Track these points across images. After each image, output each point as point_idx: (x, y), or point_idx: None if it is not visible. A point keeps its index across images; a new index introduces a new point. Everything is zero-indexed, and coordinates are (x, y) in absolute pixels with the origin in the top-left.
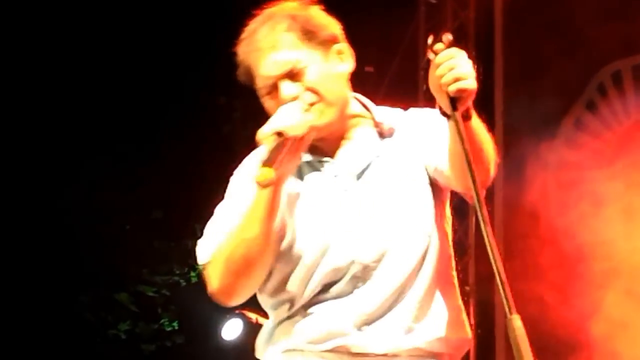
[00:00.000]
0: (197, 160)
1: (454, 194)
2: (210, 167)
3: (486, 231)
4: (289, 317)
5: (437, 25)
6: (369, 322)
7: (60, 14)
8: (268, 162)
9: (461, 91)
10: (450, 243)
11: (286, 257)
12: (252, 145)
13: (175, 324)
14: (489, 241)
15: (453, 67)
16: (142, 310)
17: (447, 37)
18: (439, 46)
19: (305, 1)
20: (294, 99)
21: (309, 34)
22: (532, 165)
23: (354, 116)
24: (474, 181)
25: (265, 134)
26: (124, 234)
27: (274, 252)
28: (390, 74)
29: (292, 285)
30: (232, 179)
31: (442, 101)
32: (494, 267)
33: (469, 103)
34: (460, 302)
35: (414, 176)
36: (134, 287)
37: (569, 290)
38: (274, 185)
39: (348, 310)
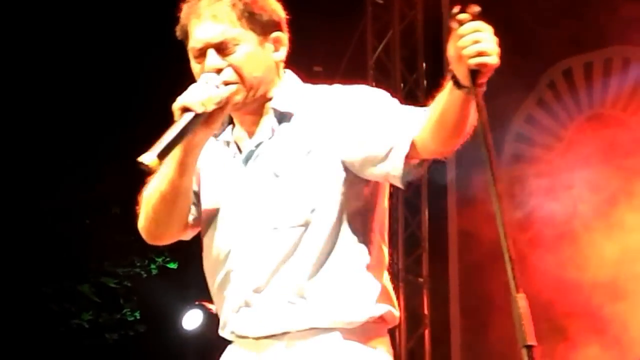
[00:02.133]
0: None
1: (407, 189)
2: None
3: (499, 209)
4: (216, 304)
5: (385, 25)
6: (247, 306)
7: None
8: (160, 146)
9: (482, 65)
10: (373, 226)
11: (201, 237)
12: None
13: (137, 314)
14: (500, 218)
15: (478, 40)
16: (104, 301)
17: (474, 9)
18: (464, 16)
19: None
20: (216, 71)
21: (251, 15)
22: (484, 161)
23: (270, 99)
24: (489, 153)
25: (174, 108)
26: (86, 228)
27: (184, 209)
28: (339, 73)
29: (207, 270)
30: None
31: (460, 72)
32: (503, 245)
33: (487, 78)
34: (372, 280)
35: (306, 160)
36: (97, 279)
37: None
38: (184, 151)
39: (230, 295)
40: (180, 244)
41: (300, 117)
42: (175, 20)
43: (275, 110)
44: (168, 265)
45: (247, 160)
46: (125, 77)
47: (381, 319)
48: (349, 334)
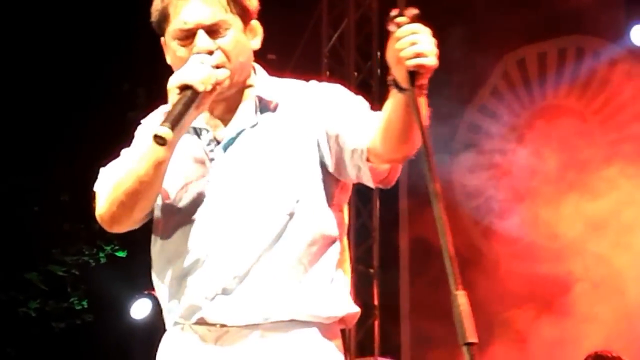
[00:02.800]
0: (102, 144)
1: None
2: (116, 151)
3: (437, 207)
4: (169, 290)
5: (340, 14)
6: (224, 293)
7: None
8: (170, 119)
9: (420, 67)
10: (342, 224)
11: (161, 222)
12: None
13: (84, 302)
14: (439, 217)
15: (415, 42)
16: (52, 289)
17: (412, 11)
18: (402, 19)
19: None
20: (208, 52)
21: (237, 3)
22: (437, 151)
23: (248, 86)
24: (428, 154)
25: (173, 86)
26: (34, 215)
27: (157, 193)
28: (293, 62)
29: (164, 255)
30: (137, 129)
31: (399, 74)
32: (442, 242)
33: (426, 80)
34: (343, 276)
35: (291, 151)
36: (44, 267)
37: (474, 270)
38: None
39: (204, 282)
40: (129, 231)
41: (285, 108)
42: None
43: (259, 98)
44: (117, 254)
45: (226, 147)
46: (76, 65)
47: (351, 316)
48: (325, 330)
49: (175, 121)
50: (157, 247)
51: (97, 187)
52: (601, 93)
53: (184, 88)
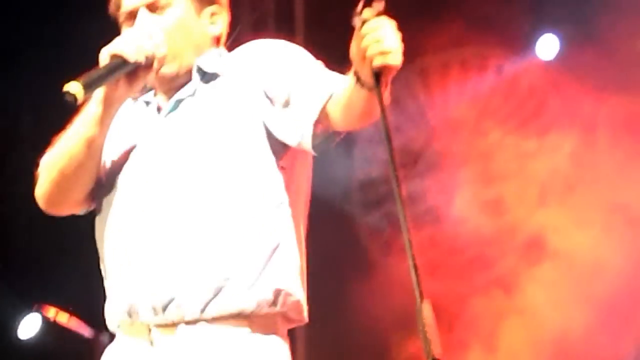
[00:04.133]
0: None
1: None
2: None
3: (402, 214)
4: (109, 289)
5: (234, 17)
6: (166, 285)
7: None
8: (85, 78)
9: (385, 66)
10: (291, 188)
11: (100, 203)
12: None
13: None
14: (404, 225)
15: (379, 39)
16: None
17: (378, 5)
18: (367, 14)
19: None
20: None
21: None
22: (339, 164)
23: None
24: (392, 158)
25: (104, 54)
26: None
27: (94, 172)
28: None
29: (100, 236)
30: None
31: (363, 72)
32: (408, 252)
33: (390, 78)
34: (289, 252)
35: (229, 115)
36: None
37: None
38: (102, 105)
39: (138, 273)
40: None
41: (226, 78)
42: None
43: (199, 69)
44: None
45: (165, 115)
46: None
47: (293, 304)
48: (259, 322)
49: (90, 81)
50: (95, 229)
51: (40, 167)
52: (504, 106)
53: (114, 57)
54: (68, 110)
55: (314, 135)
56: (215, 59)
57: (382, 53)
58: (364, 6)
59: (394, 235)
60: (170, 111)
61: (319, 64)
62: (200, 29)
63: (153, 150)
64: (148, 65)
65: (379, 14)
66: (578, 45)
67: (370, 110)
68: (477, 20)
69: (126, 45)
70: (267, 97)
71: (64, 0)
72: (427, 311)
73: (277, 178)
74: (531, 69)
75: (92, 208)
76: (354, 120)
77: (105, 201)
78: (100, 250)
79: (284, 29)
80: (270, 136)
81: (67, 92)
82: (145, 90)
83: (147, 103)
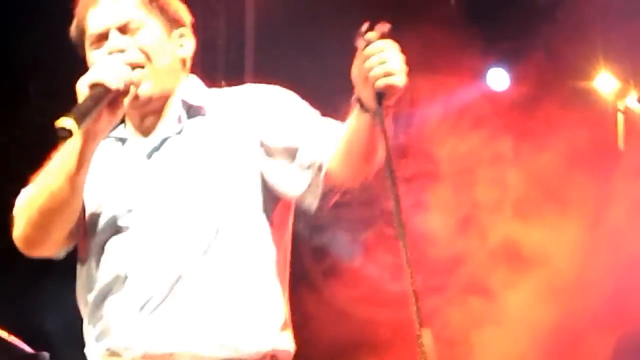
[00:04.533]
0: None
1: None
2: None
3: (403, 242)
4: (88, 318)
5: None
6: (143, 316)
7: None
8: (75, 111)
9: (390, 87)
10: (281, 244)
11: (83, 242)
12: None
13: None
14: (405, 252)
15: (384, 60)
16: None
17: (383, 27)
18: (371, 35)
19: None
20: (121, 51)
21: (155, 4)
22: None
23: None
24: (393, 180)
25: (83, 85)
26: None
27: (76, 210)
28: None
29: (84, 279)
30: None
31: (366, 94)
32: (409, 280)
33: (394, 100)
34: (277, 304)
35: (221, 159)
36: None
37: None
38: (85, 139)
39: (122, 306)
40: None
41: (214, 113)
42: None
43: (184, 103)
44: None
45: (150, 156)
46: None
47: (283, 354)
48: None
49: (80, 114)
50: (79, 272)
51: (15, 208)
52: (452, 135)
53: (95, 87)
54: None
55: (323, 194)
56: (198, 90)
57: (387, 74)
58: (368, 28)
59: (336, 261)
60: (154, 151)
61: (318, 114)
62: (171, 50)
63: (141, 196)
64: (126, 90)
65: (382, 36)
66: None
67: (374, 143)
68: (427, 48)
69: (105, 72)
70: (264, 146)
71: None
72: (427, 339)
73: (267, 231)
74: (481, 98)
75: (69, 249)
76: (357, 163)
77: (91, 249)
78: (84, 296)
79: (234, 55)
80: (265, 187)
81: (62, 128)
82: (116, 123)
83: (122, 140)
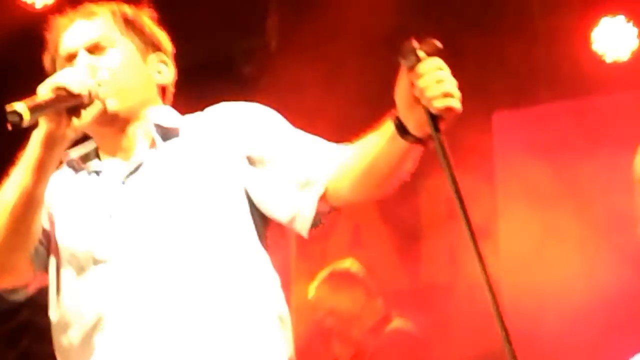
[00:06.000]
0: None
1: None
2: None
3: (482, 265)
4: None
5: None
6: (133, 354)
7: None
8: (29, 101)
9: (448, 110)
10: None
11: (55, 278)
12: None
13: None
14: (486, 278)
15: (441, 79)
16: None
17: (436, 43)
18: (423, 52)
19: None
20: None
21: (131, 25)
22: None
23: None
24: (463, 210)
25: (45, 87)
26: None
27: (35, 228)
28: None
29: (62, 320)
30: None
31: (413, 117)
32: (496, 317)
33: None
34: (277, 329)
35: (203, 179)
36: None
37: None
38: (43, 144)
39: (106, 345)
40: None
41: (190, 133)
42: None
43: (157, 127)
44: None
45: (124, 181)
46: None
47: None
48: None
49: (35, 105)
50: (53, 311)
51: None
52: None
53: (57, 90)
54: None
55: (316, 215)
56: (171, 113)
57: (445, 95)
58: (420, 45)
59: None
60: (129, 175)
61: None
62: (145, 73)
63: (120, 224)
64: (90, 101)
65: (435, 53)
66: None
67: (403, 168)
68: None
69: (68, 78)
70: (250, 163)
71: None
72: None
73: (264, 256)
74: None
75: (32, 285)
76: (376, 185)
77: (67, 286)
78: (62, 339)
79: None
80: (253, 208)
81: (14, 112)
82: (91, 156)
83: (97, 173)
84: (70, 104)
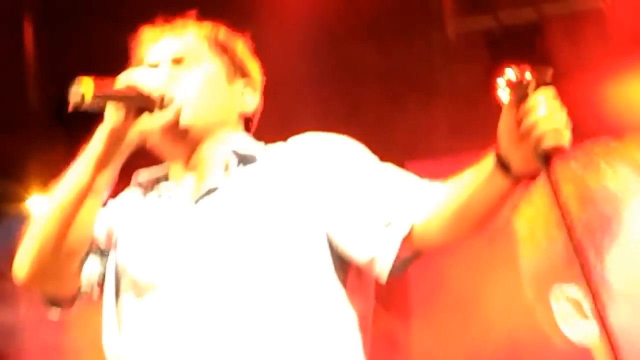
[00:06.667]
0: None
1: None
2: None
3: (595, 302)
4: None
5: None
6: None
7: None
8: (99, 85)
9: (559, 148)
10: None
11: (117, 302)
12: None
13: None
14: (598, 310)
15: (552, 113)
16: None
17: (547, 72)
18: (531, 83)
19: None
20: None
21: (222, 48)
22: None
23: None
24: (578, 252)
25: (121, 80)
26: None
27: (88, 231)
28: None
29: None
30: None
31: (520, 154)
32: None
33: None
34: None
35: (280, 214)
36: None
37: None
38: (108, 140)
39: None
40: None
41: (269, 163)
42: None
43: (234, 153)
44: None
45: (197, 202)
46: None
47: None
48: None
49: (102, 91)
50: (111, 336)
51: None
52: None
53: (130, 88)
54: None
55: (396, 262)
56: (250, 141)
57: (557, 131)
58: (532, 74)
59: None
60: (201, 198)
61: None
62: (227, 97)
63: (191, 248)
64: (162, 108)
65: (544, 83)
66: None
67: (500, 208)
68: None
69: (144, 78)
70: (334, 200)
71: None
72: None
73: (343, 296)
74: None
75: (74, 302)
76: (470, 227)
77: (127, 310)
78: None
79: None
80: (332, 250)
81: (78, 87)
82: (162, 179)
83: (169, 196)
84: (139, 104)
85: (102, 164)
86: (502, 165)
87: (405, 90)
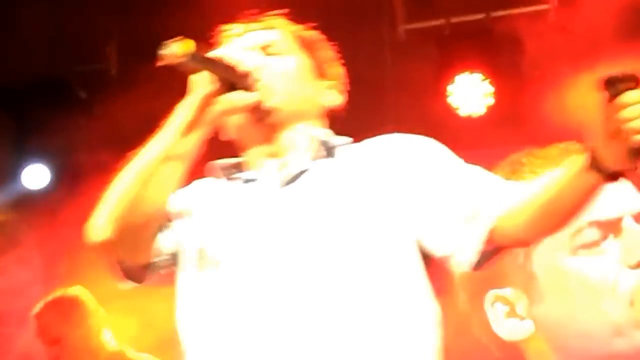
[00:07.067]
0: None
1: None
2: None
3: None
4: None
5: None
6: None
7: None
8: (196, 51)
9: None
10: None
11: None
12: None
13: None
14: None
15: None
16: None
17: (637, 75)
18: (624, 83)
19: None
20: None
21: (308, 45)
22: None
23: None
24: None
25: (216, 53)
26: None
27: (163, 199)
28: None
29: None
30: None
31: (612, 151)
32: None
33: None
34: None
35: (368, 208)
36: None
37: None
38: (197, 108)
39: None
40: None
41: (352, 157)
42: None
43: (322, 143)
44: None
45: (285, 184)
46: None
47: None
48: None
49: (198, 54)
50: (186, 318)
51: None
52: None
53: (221, 60)
54: None
55: (482, 253)
56: (331, 134)
57: None
58: (622, 75)
59: None
60: (291, 181)
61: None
62: (312, 90)
63: (278, 232)
64: (248, 87)
65: (637, 83)
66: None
67: (585, 204)
68: None
69: (236, 54)
70: (416, 196)
71: None
72: None
73: (426, 286)
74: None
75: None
76: (556, 223)
77: (209, 284)
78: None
79: None
80: (417, 242)
81: (178, 43)
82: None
83: (252, 181)
84: (232, 78)
85: (188, 128)
86: (595, 161)
87: (354, 86)
